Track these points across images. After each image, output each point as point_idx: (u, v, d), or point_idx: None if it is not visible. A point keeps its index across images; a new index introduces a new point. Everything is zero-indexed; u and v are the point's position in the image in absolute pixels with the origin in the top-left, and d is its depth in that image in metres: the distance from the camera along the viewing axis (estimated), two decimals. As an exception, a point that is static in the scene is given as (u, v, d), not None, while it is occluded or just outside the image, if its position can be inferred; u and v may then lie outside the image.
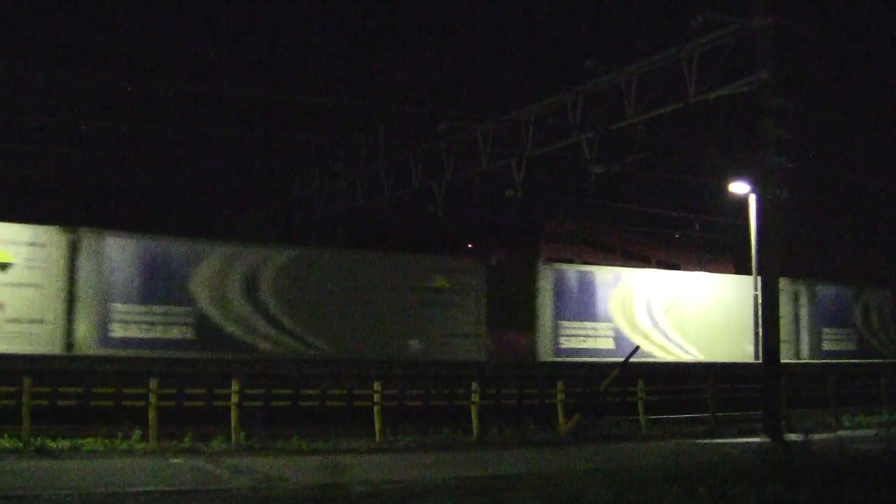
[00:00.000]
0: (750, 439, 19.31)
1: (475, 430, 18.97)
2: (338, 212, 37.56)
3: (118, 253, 22.20)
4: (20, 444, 15.49)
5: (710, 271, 38.83)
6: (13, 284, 20.63)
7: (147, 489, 12.01)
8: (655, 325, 28.90)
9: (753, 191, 28.86)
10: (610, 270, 30.67)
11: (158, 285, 22.46)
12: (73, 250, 21.50)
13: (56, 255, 21.22)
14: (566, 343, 27.67)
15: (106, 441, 16.09)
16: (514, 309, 27.08)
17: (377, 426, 18.13)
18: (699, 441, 19.69)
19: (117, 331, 21.77)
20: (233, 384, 17.35)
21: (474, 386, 19.40)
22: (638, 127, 24.38)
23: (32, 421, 15.95)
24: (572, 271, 29.26)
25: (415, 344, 25.21)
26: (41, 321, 20.82)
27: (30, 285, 20.83)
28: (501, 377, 23.58)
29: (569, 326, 27.84)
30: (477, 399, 19.28)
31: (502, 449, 18.00)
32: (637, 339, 27.95)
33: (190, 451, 15.97)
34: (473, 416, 19.15)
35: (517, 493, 11.70)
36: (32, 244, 21.02)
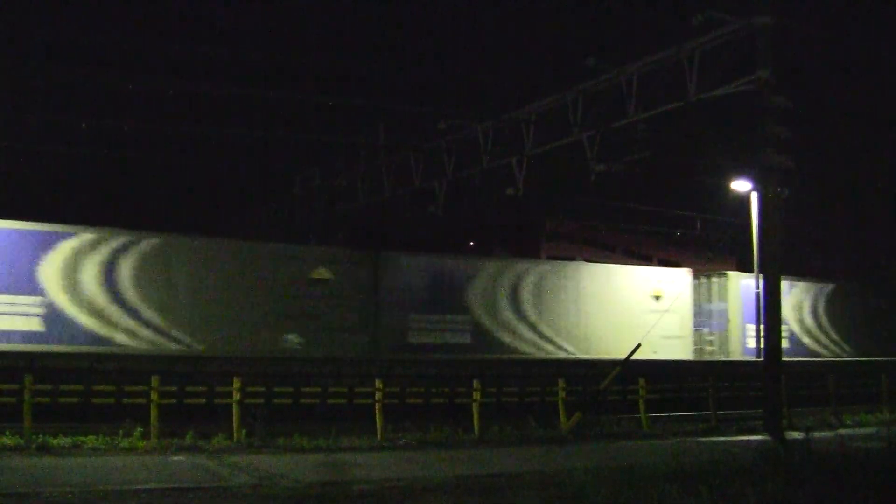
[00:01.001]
0: (751, 437, 19.32)
1: (476, 428, 18.98)
2: (338, 211, 37.55)
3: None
4: (22, 442, 15.51)
5: (711, 269, 38.87)
6: None
7: (148, 487, 12.02)
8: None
9: (755, 188, 28.84)
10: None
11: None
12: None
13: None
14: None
15: (107, 438, 16.10)
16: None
17: (378, 424, 18.15)
18: (700, 439, 19.69)
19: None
20: (234, 382, 17.38)
21: (476, 384, 19.41)
22: (639, 126, 24.37)
23: (34, 418, 15.97)
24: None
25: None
26: None
27: None
28: (502, 375, 23.59)
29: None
30: (478, 397, 19.29)
31: (503, 447, 18.01)
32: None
33: (191, 448, 15.98)
34: (474, 414, 19.16)
35: (518, 491, 11.71)
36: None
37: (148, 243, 23.51)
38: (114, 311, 22.66)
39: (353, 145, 34.72)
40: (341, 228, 39.29)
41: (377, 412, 18.27)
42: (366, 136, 34.29)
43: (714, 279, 32.75)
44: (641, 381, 21.63)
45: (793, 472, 12.02)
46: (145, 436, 16.40)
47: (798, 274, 35.37)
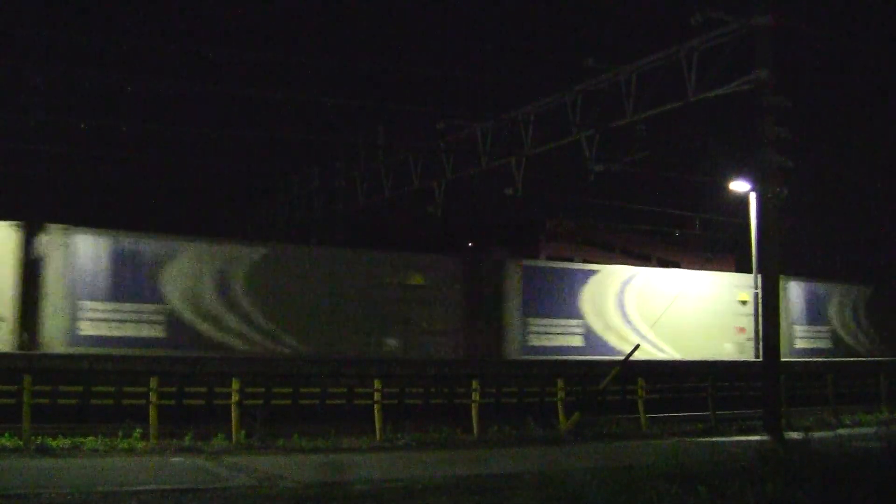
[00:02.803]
0: (750, 438, 19.33)
1: (475, 429, 18.99)
2: (337, 211, 37.56)
3: None
4: (21, 443, 15.52)
5: (710, 269, 38.87)
6: None
7: (147, 488, 12.02)
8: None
9: (754, 189, 28.87)
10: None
11: None
12: None
13: None
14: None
15: (106, 440, 16.11)
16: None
17: (377, 424, 18.16)
18: (699, 439, 19.70)
19: None
20: (233, 383, 17.39)
21: (474, 384, 19.42)
22: (638, 125, 24.38)
23: (33, 419, 15.99)
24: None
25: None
26: None
27: None
28: (501, 375, 23.61)
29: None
30: (477, 397, 19.31)
31: (502, 447, 18.02)
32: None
33: (190, 449, 15.99)
34: (473, 415, 19.18)
35: (517, 491, 11.72)
36: None
37: (257, 252, 24.46)
38: (229, 318, 23.43)
39: (353, 145, 34.75)
40: (340, 229, 39.29)
41: (376, 413, 18.27)
42: (365, 136, 34.31)
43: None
44: (640, 382, 21.64)
45: (792, 472, 12.02)
46: (144, 437, 16.42)
47: (798, 274, 35.40)
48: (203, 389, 18.04)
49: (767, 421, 19.92)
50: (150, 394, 16.81)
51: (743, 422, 21.72)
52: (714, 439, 19.62)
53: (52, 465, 14.03)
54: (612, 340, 28.75)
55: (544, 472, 13.43)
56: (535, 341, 27.63)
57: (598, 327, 28.72)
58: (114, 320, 22.03)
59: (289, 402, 18.81)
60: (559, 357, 26.89)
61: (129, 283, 22.33)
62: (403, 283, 25.75)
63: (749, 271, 31.81)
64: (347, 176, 35.73)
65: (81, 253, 21.88)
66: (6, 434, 15.86)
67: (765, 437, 18.87)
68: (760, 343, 23.28)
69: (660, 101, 23.31)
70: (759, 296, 25.37)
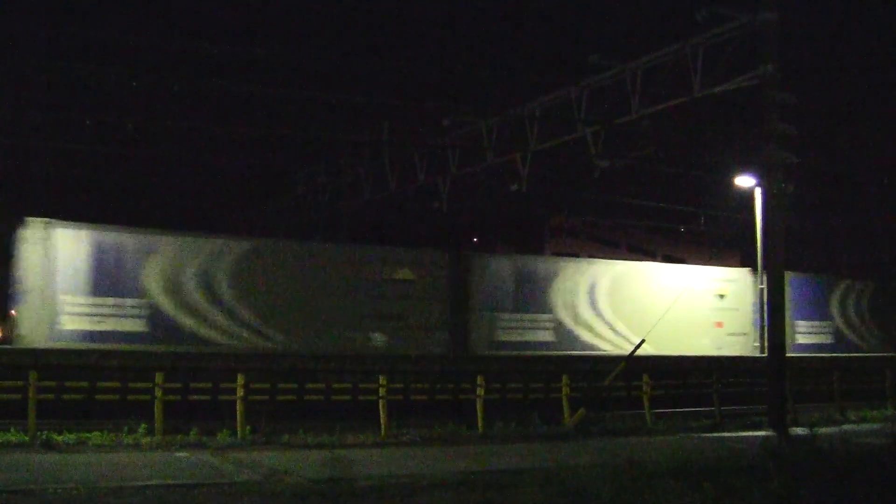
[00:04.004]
0: (755, 434, 19.31)
1: (480, 425, 18.99)
2: (343, 208, 37.57)
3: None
4: (26, 439, 15.56)
5: (715, 265, 38.80)
6: None
7: (153, 483, 12.05)
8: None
9: (759, 184, 28.80)
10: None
11: None
12: None
13: None
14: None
15: (112, 435, 16.16)
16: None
17: (382, 420, 18.17)
18: (704, 435, 19.70)
19: None
20: (238, 378, 17.41)
21: (479, 380, 19.42)
22: (643, 121, 24.34)
23: (38, 415, 16.02)
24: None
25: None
26: None
27: None
28: (505, 371, 23.59)
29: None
30: (482, 393, 19.31)
31: (507, 443, 18.02)
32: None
33: (195, 445, 16.02)
34: (478, 411, 19.18)
35: (522, 487, 11.70)
36: None
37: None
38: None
39: (358, 142, 34.70)
40: (345, 225, 39.30)
41: (381, 409, 18.28)
42: (370, 132, 34.27)
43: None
44: (645, 378, 21.62)
45: (797, 469, 12.01)
46: (150, 432, 16.46)
47: (802, 269, 35.30)
48: (208, 385, 18.07)
49: (772, 417, 19.90)
50: (156, 389, 16.84)
51: (748, 418, 21.70)
52: (719, 435, 19.62)
53: (57, 461, 14.06)
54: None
55: (549, 468, 13.42)
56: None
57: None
58: (95, 315, 21.79)
59: (294, 398, 18.83)
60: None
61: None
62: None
63: (754, 267, 31.73)
64: (352, 172, 35.72)
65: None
66: (12, 429, 15.91)
67: (770, 434, 18.84)
68: (765, 339, 23.22)
69: (665, 98, 23.26)
70: (764, 292, 25.31)
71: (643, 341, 22.37)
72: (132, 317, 22.15)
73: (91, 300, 21.78)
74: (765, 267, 25.86)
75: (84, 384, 17.11)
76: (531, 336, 27.49)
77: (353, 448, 16.58)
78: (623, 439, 18.86)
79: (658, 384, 22.15)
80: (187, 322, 22.81)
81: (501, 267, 27.78)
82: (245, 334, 23.40)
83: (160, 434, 16.40)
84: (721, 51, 21.69)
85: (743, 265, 38.43)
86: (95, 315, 21.77)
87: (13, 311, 21.29)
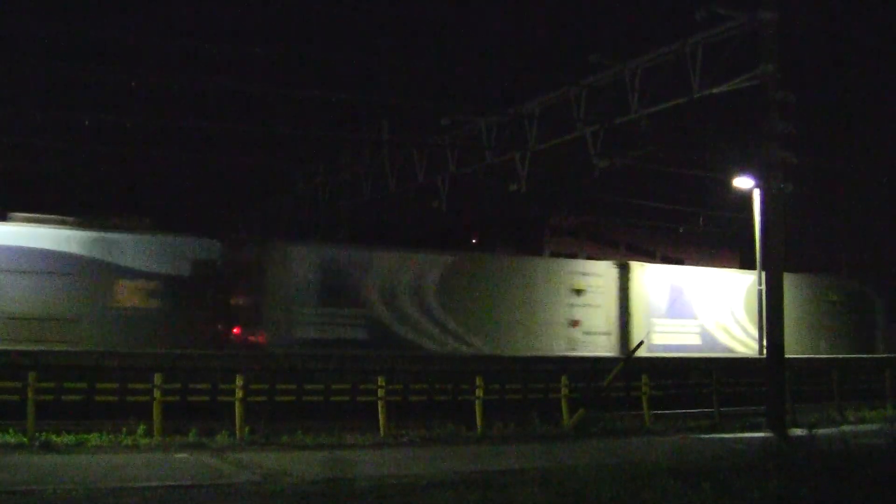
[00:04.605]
0: (754, 434, 19.31)
1: (479, 425, 18.98)
2: (342, 207, 37.55)
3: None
4: (25, 439, 15.54)
5: (714, 265, 38.78)
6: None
7: (151, 484, 12.03)
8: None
9: (758, 185, 28.78)
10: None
11: None
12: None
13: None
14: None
15: (110, 436, 16.13)
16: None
17: (381, 421, 18.16)
18: (703, 436, 19.69)
19: None
20: (237, 379, 17.38)
21: (478, 381, 19.41)
22: (642, 121, 24.31)
23: (37, 416, 16.00)
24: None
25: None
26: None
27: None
28: (504, 371, 23.59)
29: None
30: (481, 394, 19.29)
31: (506, 444, 18.00)
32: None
33: (194, 445, 16.00)
34: (477, 411, 19.17)
35: (521, 488, 11.69)
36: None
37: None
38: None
39: (357, 141, 34.70)
40: (345, 224, 39.29)
41: (380, 409, 18.27)
42: (369, 131, 34.26)
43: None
44: (644, 378, 21.61)
45: (796, 469, 12.02)
46: (148, 433, 16.44)
47: (802, 270, 35.26)
48: (207, 386, 18.06)
49: (771, 417, 19.89)
50: (155, 390, 16.83)
51: (747, 418, 21.68)
52: (718, 436, 19.61)
53: (55, 462, 14.04)
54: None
55: (548, 468, 13.44)
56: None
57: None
58: (324, 324, 24.94)
59: (293, 398, 18.82)
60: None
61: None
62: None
63: (753, 267, 31.72)
64: (352, 171, 35.72)
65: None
66: (10, 430, 15.88)
67: (769, 434, 18.86)
68: (765, 339, 23.22)
69: (664, 97, 23.25)
70: (763, 292, 25.29)
71: (642, 343, 22.39)
72: (354, 325, 25.41)
73: (320, 310, 25.08)
74: (764, 267, 25.86)
75: (83, 385, 17.10)
76: (679, 339, 29.93)
77: (353, 448, 16.56)
78: (622, 440, 18.85)
79: (657, 384, 22.14)
80: (401, 330, 25.95)
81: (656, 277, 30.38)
82: (450, 341, 26.28)
83: (159, 435, 16.38)
84: (721, 50, 21.68)
85: (742, 266, 38.42)
86: (324, 324, 24.77)
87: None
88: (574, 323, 28.87)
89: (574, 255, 48.12)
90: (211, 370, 19.58)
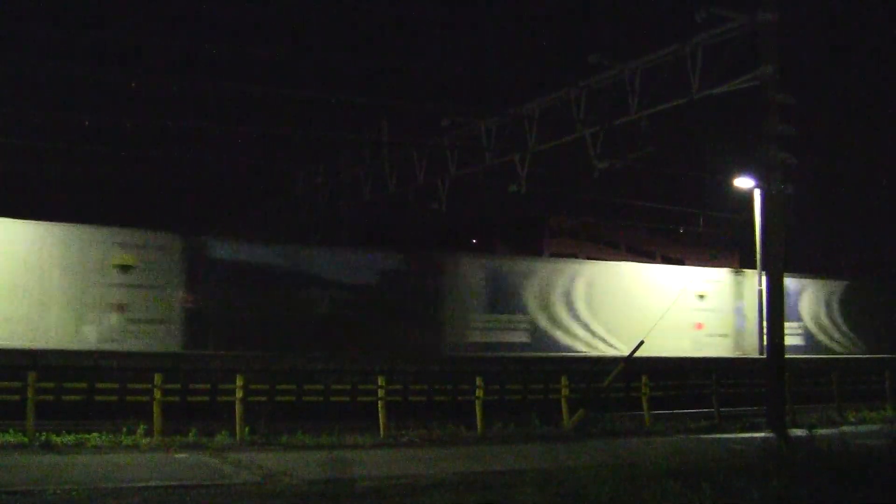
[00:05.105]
0: (754, 435, 19.31)
1: (479, 426, 18.98)
2: (341, 208, 37.54)
3: None
4: (25, 439, 15.54)
5: (714, 266, 38.77)
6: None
7: (151, 484, 12.04)
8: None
9: (758, 185, 28.80)
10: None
11: None
12: None
13: None
14: None
15: (110, 436, 16.14)
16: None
17: (381, 421, 18.16)
18: (703, 436, 19.70)
19: None
20: (237, 379, 17.39)
21: (478, 381, 19.41)
22: (642, 122, 24.30)
23: (37, 416, 16.01)
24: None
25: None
26: None
27: None
28: (505, 372, 23.62)
29: None
30: (481, 394, 19.30)
31: (506, 444, 18.00)
32: None
33: (194, 446, 16.00)
34: (478, 411, 19.17)
35: (521, 488, 11.71)
36: None
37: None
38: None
39: (357, 142, 34.70)
40: (344, 225, 39.30)
41: (380, 409, 18.28)
42: (369, 132, 34.25)
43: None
44: (644, 378, 21.62)
45: (796, 470, 12.02)
46: (148, 433, 16.44)
47: (802, 271, 35.28)
48: (207, 386, 18.06)
49: (771, 418, 19.90)
50: (155, 390, 16.84)
51: (747, 419, 21.69)
52: (718, 436, 19.61)
53: (55, 462, 14.05)
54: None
55: (548, 468, 13.45)
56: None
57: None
58: (490, 329, 27.54)
59: (292, 398, 18.82)
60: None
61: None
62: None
63: (753, 268, 31.74)
64: (351, 173, 35.71)
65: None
66: (10, 430, 15.89)
67: (769, 435, 18.86)
68: (765, 340, 23.23)
69: (664, 98, 23.25)
70: (762, 293, 25.31)
71: (642, 342, 22.37)
72: (518, 330, 27.89)
73: (487, 317, 27.82)
74: (764, 267, 25.86)
75: (83, 385, 17.11)
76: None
77: (353, 449, 16.57)
78: (622, 440, 18.86)
79: (657, 385, 22.15)
80: (556, 334, 28.48)
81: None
82: (599, 344, 28.65)
83: (159, 435, 16.38)
84: (720, 51, 21.68)
85: (742, 266, 38.41)
86: (490, 329, 27.49)
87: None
88: (698, 326, 30.97)
89: (574, 256, 48.15)
90: (211, 371, 19.60)
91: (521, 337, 28.12)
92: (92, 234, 22.74)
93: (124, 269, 22.67)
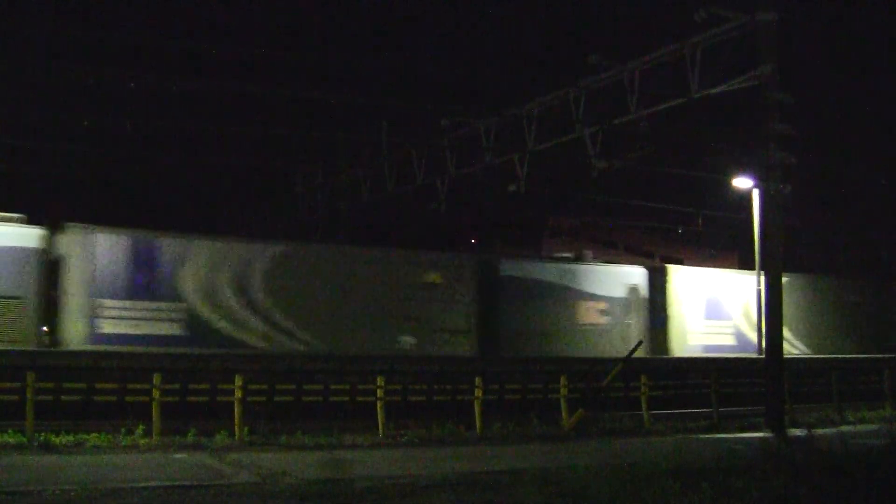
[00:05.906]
0: (753, 434, 19.30)
1: (478, 425, 18.98)
2: (341, 209, 37.51)
3: None
4: (24, 440, 15.55)
5: (714, 266, 38.76)
6: None
7: (150, 484, 12.03)
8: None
9: (757, 185, 28.79)
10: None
11: None
12: None
13: None
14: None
15: (109, 436, 16.14)
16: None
17: (380, 421, 18.16)
18: (702, 436, 19.70)
19: None
20: (236, 379, 17.38)
21: (477, 381, 19.41)
22: (641, 122, 24.30)
23: (36, 416, 16.00)
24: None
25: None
26: None
27: None
28: (504, 372, 23.62)
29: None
30: (480, 394, 19.29)
31: (505, 444, 18.01)
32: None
33: (193, 446, 16.01)
34: (476, 411, 19.17)
35: (520, 488, 11.70)
36: None
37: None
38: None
39: (356, 143, 34.66)
40: (344, 226, 39.26)
41: (379, 409, 18.27)
42: (368, 133, 34.21)
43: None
44: (643, 378, 21.62)
45: (795, 469, 12.01)
46: (147, 434, 16.44)
47: (801, 271, 35.25)
48: (206, 386, 18.05)
49: (770, 418, 19.89)
50: (154, 391, 16.83)
51: (746, 419, 21.70)
52: (717, 436, 19.62)
53: (55, 462, 14.05)
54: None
55: (547, 468, 13.43)
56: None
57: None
58: (133, 318, 22.01)
59: (292, 398, 18.81)
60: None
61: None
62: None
63: (752, 268, 31.73)
64: (350, 173, 35.68)
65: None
66: (9, 431, 15.90)
67: (768, 434, 18.85)
68: (764, 340, 23.24)
69: (663, 98, 23.25)
70: (762, 292, 25.31)
71: (641, 343, 22.38)
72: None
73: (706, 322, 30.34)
74: (763, 267, 25.87)
75: (82, 385, 17.10)
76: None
77: (352, 449, 16.57)
78: (621, 440, 18.86)
79: (656, 385, 22.15)
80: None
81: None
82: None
83: (158, 435, 16.38)
84: (719, 51, 21.67)
85: (741, 266, 38.37)
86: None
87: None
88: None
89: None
90: (209, 371, 19.59)
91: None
92: (405, 257, 26.67)
93: (431, 286, 25.90)
